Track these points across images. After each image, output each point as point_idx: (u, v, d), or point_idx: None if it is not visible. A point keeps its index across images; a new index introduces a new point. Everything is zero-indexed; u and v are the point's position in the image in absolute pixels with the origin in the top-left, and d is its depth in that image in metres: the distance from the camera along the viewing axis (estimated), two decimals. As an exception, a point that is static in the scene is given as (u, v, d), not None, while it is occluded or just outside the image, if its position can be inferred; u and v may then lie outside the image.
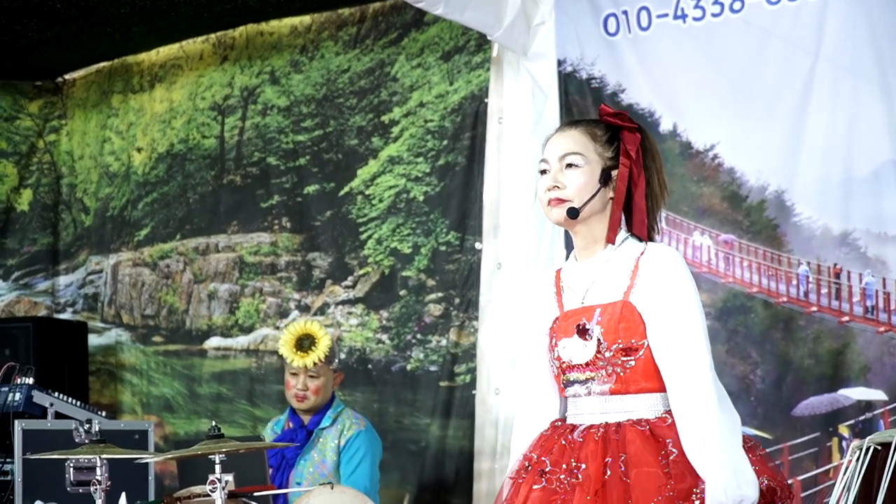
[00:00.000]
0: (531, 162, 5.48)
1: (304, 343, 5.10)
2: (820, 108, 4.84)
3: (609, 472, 2.92)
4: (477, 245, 5.90)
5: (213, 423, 4.51)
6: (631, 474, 2.91)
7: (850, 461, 3.68)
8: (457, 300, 6.05)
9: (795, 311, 4.90)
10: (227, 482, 4.06)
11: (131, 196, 7.35)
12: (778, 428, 4.92)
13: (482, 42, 5.96)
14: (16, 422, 5.60)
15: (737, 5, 5.03)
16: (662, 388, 3.06)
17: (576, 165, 3.13)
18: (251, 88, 6.91)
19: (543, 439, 3.12)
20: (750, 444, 3.04)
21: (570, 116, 5.44)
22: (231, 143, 6.97)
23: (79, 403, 5.99)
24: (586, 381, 3.10)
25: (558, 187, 3.13)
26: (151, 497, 5.73)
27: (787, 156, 4.94)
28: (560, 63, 5.51)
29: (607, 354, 3.07)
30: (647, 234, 3.17)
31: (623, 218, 3.21)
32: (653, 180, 3.18)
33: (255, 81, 6.89)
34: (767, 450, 4.58)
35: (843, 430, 4.82)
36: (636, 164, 3.15)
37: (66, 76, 7.70)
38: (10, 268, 7.69)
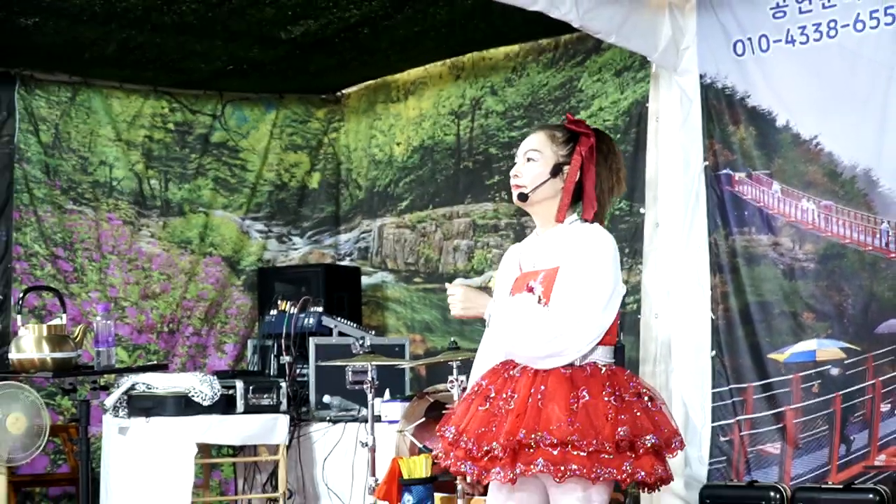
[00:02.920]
0: (680, 150, 5.89)
1: None
2: (897, 109, 5.08)
3: (531, 401, 3.00)
4: (641, 210, 6.08)
5: (452, 339, 5.35)
6: (544, 404, 3.00)
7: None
8: (626, 250, 6.22)
9: (879, 257, 5.19)
10: (461, 381, 4.72)
11: (394, 177, 7.86)
12: (864, 342, 5.25)
13: (644, 62, 6.20)
14: (310, 339, 6.49)
15: (832, 33, 5.31)
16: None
17: (532, 160, 3.22)
18: (477, 98, 7.32)
19: (493, 372, 3.20)
20: (651, 397, 3.13)
21: (709, 118, 5.72)
22: (464, 138, 7.40)
23: (355, 325, 6.77)
24: None
25: (517, 176, 3.25)
26: (407, 392, 6.48)
27: (872, 143, 5.23)
28: (701, 77, 5.78)
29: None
30: (593, 218, 3.22)
31: (586, 205, 3.26)
32: (602, 176, 3.23)
33: (480, 93, 7.30)
34: (855, 358, 5.25)
35: (916, 344, 5.05)
36: (588, 161, 3.19)
37: (344, 91, 8.19)
38: (305, 229, 8.17)
